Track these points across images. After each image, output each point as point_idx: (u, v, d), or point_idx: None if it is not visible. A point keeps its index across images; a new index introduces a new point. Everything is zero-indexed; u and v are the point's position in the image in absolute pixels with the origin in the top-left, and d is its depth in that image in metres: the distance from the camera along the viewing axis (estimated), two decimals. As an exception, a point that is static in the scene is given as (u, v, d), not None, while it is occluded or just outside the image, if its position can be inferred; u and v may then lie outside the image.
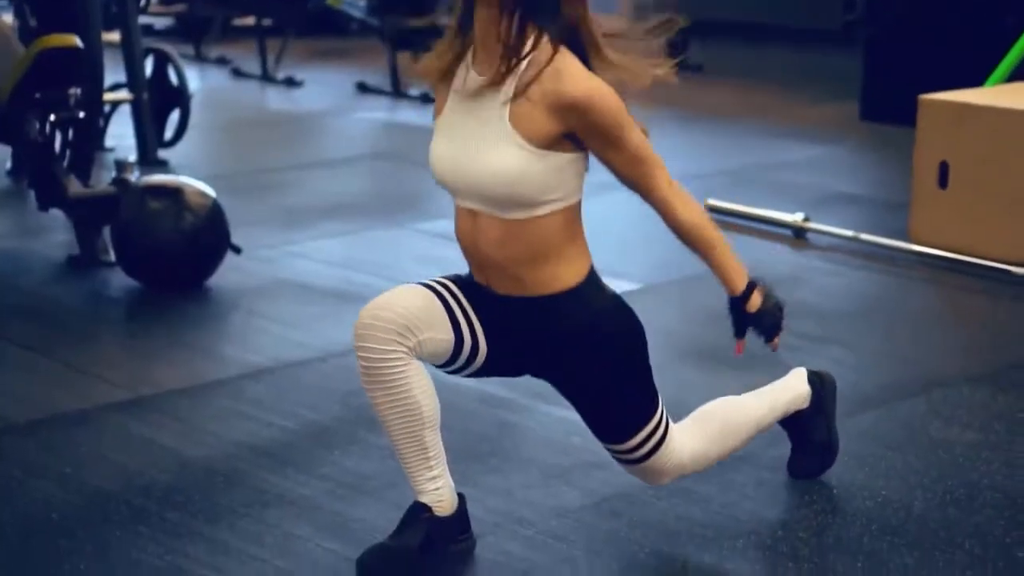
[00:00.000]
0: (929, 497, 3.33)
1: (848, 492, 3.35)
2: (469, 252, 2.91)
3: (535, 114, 2.74)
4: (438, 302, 2.87)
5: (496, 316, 2.91)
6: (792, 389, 3.36)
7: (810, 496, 3.32)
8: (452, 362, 2.92)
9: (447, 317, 2.86)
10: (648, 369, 2.99)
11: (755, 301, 3.00)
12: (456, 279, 2.95)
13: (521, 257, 2.83)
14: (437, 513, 2.93)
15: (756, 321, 3.01)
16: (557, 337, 2.89)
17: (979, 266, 5.15)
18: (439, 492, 2.93)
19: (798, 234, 5.62)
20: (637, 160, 2.86)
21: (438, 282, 2.92)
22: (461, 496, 3.00)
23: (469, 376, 3.00)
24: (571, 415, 3.76)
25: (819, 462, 3.40)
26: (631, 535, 3.12)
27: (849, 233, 5.51)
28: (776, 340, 3.05)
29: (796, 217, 5.65)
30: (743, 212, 5.86)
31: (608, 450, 3.06)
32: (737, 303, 3.00)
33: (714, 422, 3.18)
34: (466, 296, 2.91)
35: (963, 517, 3.23)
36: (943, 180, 5.39)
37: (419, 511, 2.93)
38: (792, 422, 3.37)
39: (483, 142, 2.77)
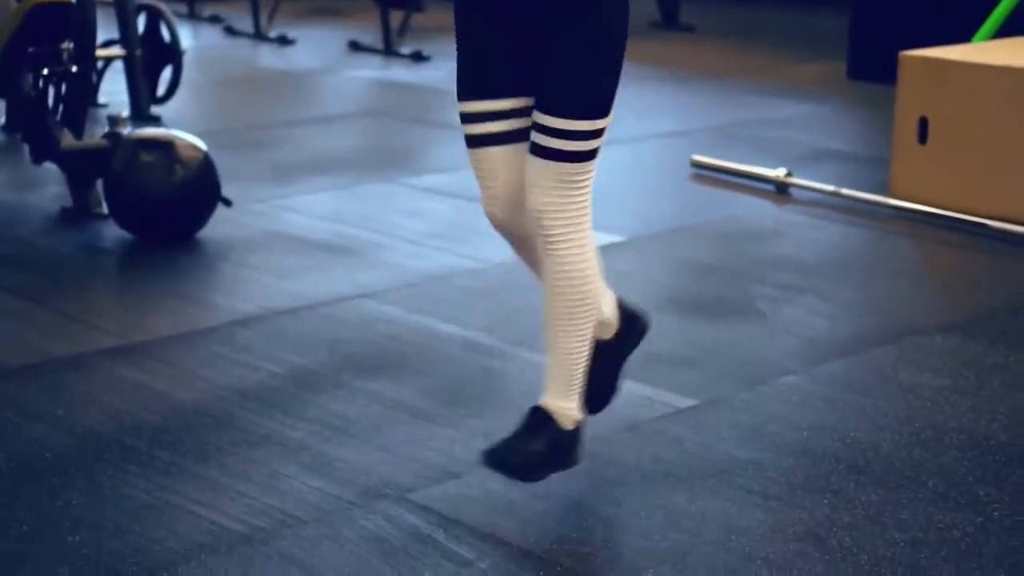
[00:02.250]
0: (896, 439, 3.43)
1: (818, 434, 3.45)
2: None
3: None
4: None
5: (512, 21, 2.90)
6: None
7: (781, 438, 3.42)
8: None
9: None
10: (619, 63, 2.92)
11: None
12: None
13: None
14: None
15: None
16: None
17: (956, 220, 5.25)
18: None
19: (780, 189, 5.71)
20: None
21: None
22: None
23: None
24: (551, 361, 3.87)
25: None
26: (606, 474, 3.23)
27: (830, 188, 5.61)
28: None
29: (778, 172, 5.73)
30: (727, 167, 5.95)
31: (541, 136, 2.88)
32: None
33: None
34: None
35: (929, 457, 3.33)
36: (923, 136, 5.48)
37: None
38: (540, 419, 3.08)
39: None
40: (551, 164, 2.88)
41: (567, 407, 3.02)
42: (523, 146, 2.95)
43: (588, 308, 2.98)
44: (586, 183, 2.92)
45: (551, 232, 2.91)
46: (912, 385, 3.77)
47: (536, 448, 2.99)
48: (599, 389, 3.29)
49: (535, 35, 2.89)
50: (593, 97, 2.88)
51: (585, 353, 3.01)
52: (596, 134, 2.90)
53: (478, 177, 3.02)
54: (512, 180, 2.97)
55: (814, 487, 3.18)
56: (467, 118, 2.98)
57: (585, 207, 2.92)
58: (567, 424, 3.02)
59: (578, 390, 3.03)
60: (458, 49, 2.99)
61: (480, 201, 3.04)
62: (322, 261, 4.79)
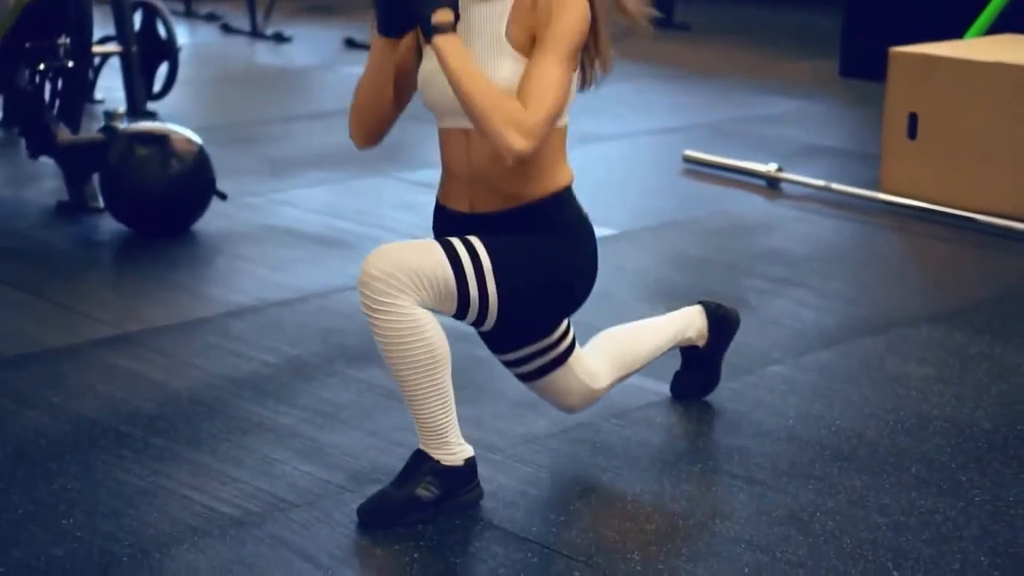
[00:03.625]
0: (881, 426, 3.48)
1: (804, 422, 3.50)
2: (460, 173, 2.98)
3: (525, 23, 2.86)
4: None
5: (464, 231, 2.98)
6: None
7: (766, 426, 3.47)
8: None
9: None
10: (566, 289, 3.02)
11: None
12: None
13: (516, 171, 2.89)
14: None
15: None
16: (519, 226, 2.96)
17: (945, 214, 5.29)
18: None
19: (771, 184, 5.76)
20: (534, 81, 2.83)
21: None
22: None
23: None
24: (541, 350, 3.91)
25: (702, 387, 3.60)
26: (594, 459, 3.27)
27: (821, 183, 5.65)
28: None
29: (769, 167, 5.78)
30: (719, 163, 6.00)
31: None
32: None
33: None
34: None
35: (912, 444, 3.38)
36: (912, 131, 5.52)
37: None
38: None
39: (477, 57, 2.87)
40: (437, 252, 2.87)
41: (440, 454, 2.98)
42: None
43: (416, 371, 2.92)
44: (434, 294, 2.87)
45: (372, 304, 2.85)
46: (898, 374, 3.82)
47: (400, 496, 2.96)
48: (702, 387, 3.60)
49: None
50: (518, 277, 2.93)
51: (442, 406, 2.94)
52: (487, 298, 2.91)
53: None
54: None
55: (799, 473, 3.22)
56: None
57: (414, 291, 2.85)
58: (448, 461, 2.99)
59: (448, 437, 2.97)
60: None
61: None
62: (316, 253, 4.84)
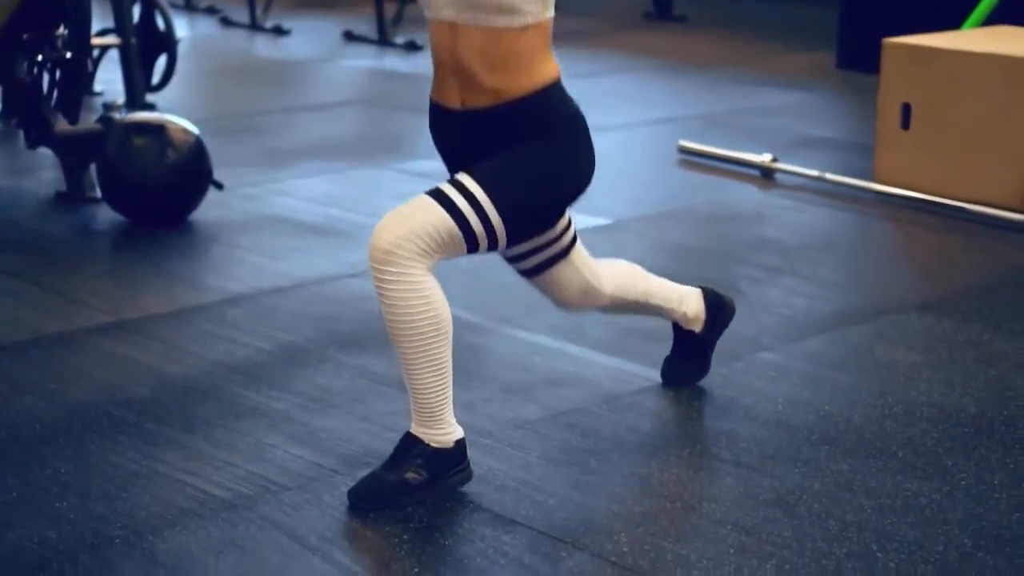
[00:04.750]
0: (869, 412, 3.51)
1: (792, 407, 3.52)
2: (447, 66, 3.01)
3: None
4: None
5: (458, 133, 3.03)
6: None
7: (755, 411, 3.50)
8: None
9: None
10: (567, 189, 3.04)
11: None
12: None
13: (499, 64, 2.93)
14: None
15: None
16: (510, 130, 2.98)
17: (936, 204, 5.32)
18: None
19: (766, 174, 5.79)
20: None
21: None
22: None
23: None
24: (534, 337, 3.95)
25: (693, 372, 3.64)
26: (583, 444, 3.30)
27: (815, 173, 5.68)
28: None
29: (764, 158, 5.81)
30: (714, 153, 6.03)
31: (448, 186, 2.99)
32: None
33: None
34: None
35: (899, 429, 3.41)
36: (905, 121, 5.55)
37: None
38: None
39: None
40: (432, 207, 2.92)
41: (431, 433, 3.02)
42: None
43: (422, 343, 2.95)
44: (442, 246, 2.92)
45: (382, 275, 2.89)
46: (887, 361, 3.84)
47: (390, 479, 2.99)
48: (693, 373, 3.64)
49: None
50: (516, 195, 2.96)
51: (440, 381, 2.98)
52: (492, 227, 2.94)
53: None
54: None
55: (786, 457, 3.25)
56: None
57: (424, 255, 2.90)
58: (437, 444, 3.02)
59: (442, 415, 3.01)
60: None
61: None
62: (312, 243, 4.87)
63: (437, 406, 3.00)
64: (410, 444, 3.03)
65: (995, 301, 4.33)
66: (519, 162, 2.98)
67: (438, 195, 2.94)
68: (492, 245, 2.99)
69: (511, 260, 3.26)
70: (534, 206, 3.03)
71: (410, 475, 3.00)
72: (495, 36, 2.92)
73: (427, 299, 2.91)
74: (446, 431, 3.03)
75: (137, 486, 3.08)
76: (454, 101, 3.03)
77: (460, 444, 3.05)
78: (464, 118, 3.02)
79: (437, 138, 3.14)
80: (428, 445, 3.01)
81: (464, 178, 2.96)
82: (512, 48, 2.92)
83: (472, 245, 2.96)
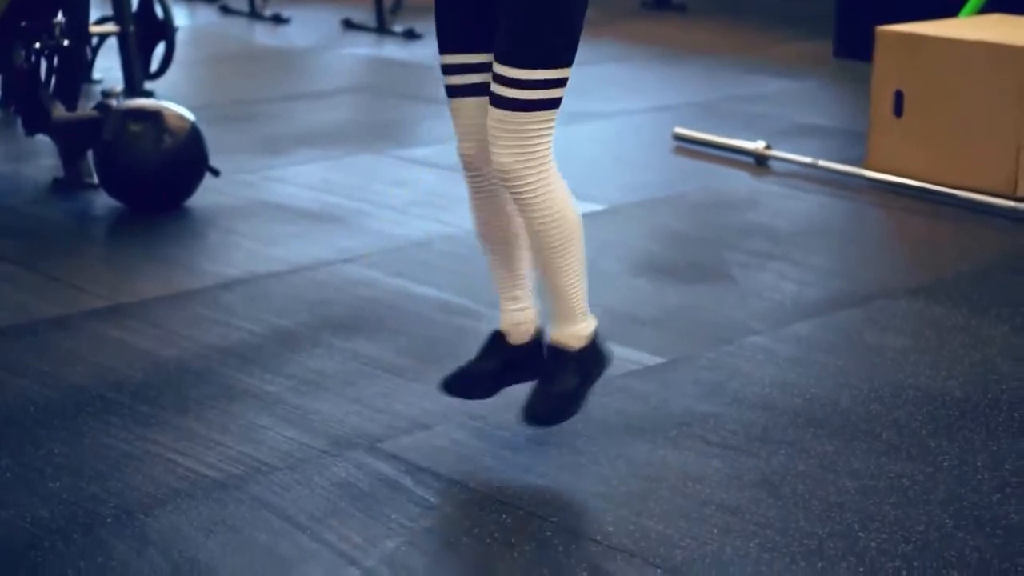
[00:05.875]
0: (855, 394, 3.54)
1: (779, 390, 3.56)
2: None
3: None
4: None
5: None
6: (582, 283, 3.22)
7: (742, 394, 3.53)
8: None
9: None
10: (574, 16, 3.02)
11: None
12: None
13: None
14: (512, 341, 3.23)
15: None
16: None
17: (927, 190, 5.35)
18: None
19: (760, 161, 5.81)
20: None
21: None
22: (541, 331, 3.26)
23: None
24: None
25: (559, 410, 3.20)
26: (572, 426, 3.33)
27: (808, 160, 5.71)
28: None
29: (758, 145, 5.83)
30: (708, 140, 6.05)
31: (499, 86, 2.98)
32: None
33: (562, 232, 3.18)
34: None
35: (885, 412, 3.44)
36: (898, 109, 5.58)
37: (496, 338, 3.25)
38: (556, 358, 3.21)
39: None
40: (509, 115, 2.99)
41: (574, 330, 3.17)
42: None
43: (569, 242, 3.10)
44: (544, 132, 3.02)
45: (517, 188, 3.02)
46: (875, 345, 3.88)
47: (569, 386, 3.17)
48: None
49: None
50: (546, 46, 2.99)
51: (580, 279, 3.15)
52: (552, 84, 3.00)
53: (455, 124, 3.16)
54: (484, 125, 3.08)
55: (771, 438, 3.29)
56: (445, 69, 3.15)
57: (545, 155, 3.03)
58: (579, 344, 3.17)
59: (582, 310, 3.17)
60: (436, 4, 3.11)
61: (456, 147, 3.17)
62: (307, 228, 4.90)
63: (580, 299, 3.15)
64: (558, 355, 3.18)
65: (984, 287, 4.36)
66: (527, 7, 2.96)
67: (503, 102, 2.98)
68: (565, 81, 3.05)
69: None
70: (566, 35, 3.01)
71: (571, 380, 3.16)
72: None
73: (568, 198, 3.07)
74: (586, 320, 3.18)
75: (129, 466, 3.12)
76: None
77: (596, 330, 3.22)
78: None
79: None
80: (573, 348, 3.17)
81: (501, 68, 2.97)
82: None
83: (558, 101, 3.03)
